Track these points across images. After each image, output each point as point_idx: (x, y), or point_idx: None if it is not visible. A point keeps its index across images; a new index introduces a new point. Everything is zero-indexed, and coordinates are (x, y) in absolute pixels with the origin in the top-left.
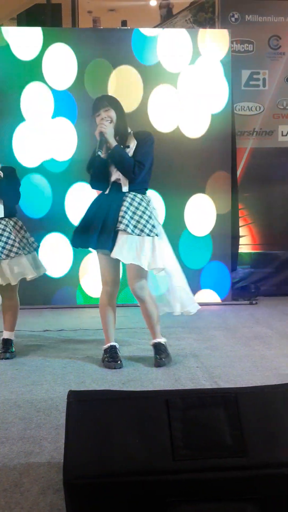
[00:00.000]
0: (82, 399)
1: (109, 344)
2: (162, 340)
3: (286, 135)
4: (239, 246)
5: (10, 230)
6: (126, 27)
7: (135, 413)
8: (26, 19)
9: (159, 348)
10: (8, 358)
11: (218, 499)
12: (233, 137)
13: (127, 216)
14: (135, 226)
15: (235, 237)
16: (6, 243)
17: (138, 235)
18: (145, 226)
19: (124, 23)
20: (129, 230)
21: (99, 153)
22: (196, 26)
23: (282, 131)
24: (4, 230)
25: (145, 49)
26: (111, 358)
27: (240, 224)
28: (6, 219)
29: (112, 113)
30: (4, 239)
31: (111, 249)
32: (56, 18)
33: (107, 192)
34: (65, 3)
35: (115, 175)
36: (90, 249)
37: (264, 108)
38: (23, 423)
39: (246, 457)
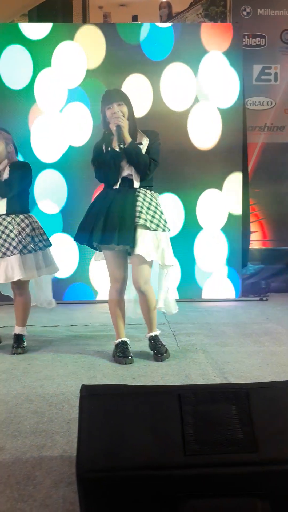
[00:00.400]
0: (94, 393)
1: (120, 340)
2: (158, 332)
3: None
4: (250, 242)
5: (12, 228)
6: (136, 22)
7: (147, 408)
8: (37, 14)
9: (157, 342)
10: (20, 353)
11: (228, 494)
12: (244, 132)
13: (143, 211)
14: (151, 221)
15: (246, 233)
16: (5, 240)
17: (155, 230)
18: (159, 221)
19: (135, 18)
20: (148, 224)
21: (121, 145)
22: (208, 20)
23: None
24: (6, 227)
25: (154, 44)
26: (122, 353)
27: (251, 220)
28: (12, 216)
29: (125, 109)
30: (4, 236)
31: (133, 245)
32: (66, 14)
33: (117, 187)
34: None
35: (127, 170)
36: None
37: (276, 103)
38: (35, 417)
39: (257, 453)
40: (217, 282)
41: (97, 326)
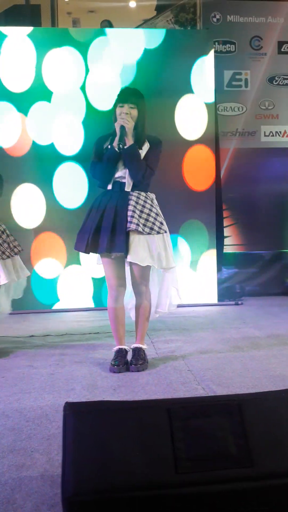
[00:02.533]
0: (79, 411)
1: (117, 347)
2: (144, 346)
3: (268, 135)
4: (224, 247)
5: None
6: (103, 28)
7: (135, 424)
8: (4, 19)
9: (138, 354)
10: None
11: None
12: (217, 137)
13: (135, 215)
14: (144, 225)
15: (220, 238)
16: None
17: (149, 233)
18: (154, 223)
19: (103, 24)
20: (140, 229)
21: (121, 146)
22: (178, 27)
23: (264, 131)
24: None
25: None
26: (114, 361)
27: (224, 225)
28: None
29: (135, 113)
30: None
31: (126, 252)
32: (35, 19)
33: (109, 187)
34: (44, 4)
35: (120, 172)
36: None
37: (247, 109)
38: (12, 434)
39: (252, 467)
40: (193, 286)
41: (73, 335)
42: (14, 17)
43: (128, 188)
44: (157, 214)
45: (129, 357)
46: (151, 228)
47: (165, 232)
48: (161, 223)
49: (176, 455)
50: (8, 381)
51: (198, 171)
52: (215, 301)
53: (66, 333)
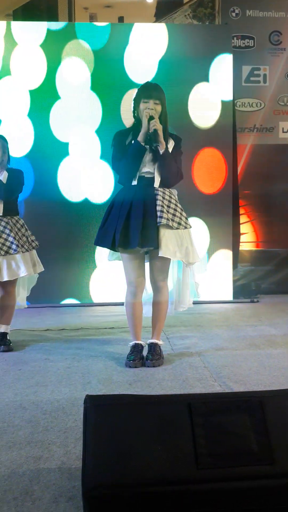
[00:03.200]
0: (99, 404)
1: (133, 342)
2: (160, 342)
3: (286, 132)
4: (240, 244)
5: (10, 228)
6: (122, 23)
7: (156, 419)
8: (22, 14)
9: (154, 349)
10: (6, 350)
11: (243, 510)
12: (234, 133)
13: (164, 210)
14: (173, 220)
15: (236, 235)
16: (6, 239)
17: (177, 228)
18: (180, 219)
19: (120, 19)
20: (170, 224)
21: (154, 146)
22: (196, 22)
23: (282, 128)
24: (4, 227)
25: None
26: (131, 356)
27: (241, 222)
28: (8, 217)
29: (159, 108)
30: (4, 236)
31: (157, 247)
32: (52, 14)
33: (134, 183)
34: None
35: (148, 167)
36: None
37: (265, 104)
38: (30, 426)
39: (274, 465)
40: (208, 283)
41: (89, 330)
42: (31, 11)
43: (156, 184)
44: (182, 209)
45: (144, 352)
46: (179, 223)
47: (191, 227)
48: (186, 218)
49: (197, 451)
50: (25, 374)
51: (209, 168)
52: (230, 298)
53: (81, 327)
